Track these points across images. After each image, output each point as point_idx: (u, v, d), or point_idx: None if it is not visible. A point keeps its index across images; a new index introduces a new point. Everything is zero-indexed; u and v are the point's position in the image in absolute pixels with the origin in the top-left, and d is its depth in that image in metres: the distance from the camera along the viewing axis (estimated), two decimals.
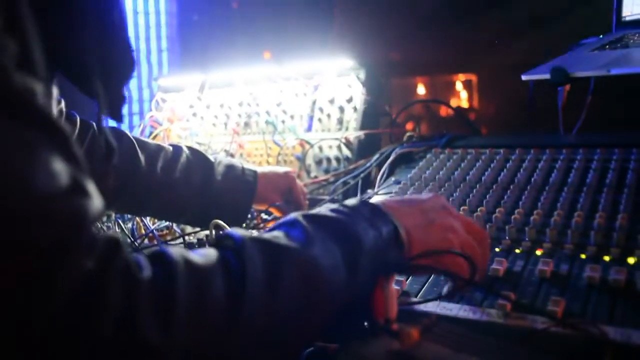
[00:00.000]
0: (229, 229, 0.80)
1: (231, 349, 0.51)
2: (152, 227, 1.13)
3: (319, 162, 1.45)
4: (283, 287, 0.55)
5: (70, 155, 0.46)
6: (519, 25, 1.78)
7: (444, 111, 2.00)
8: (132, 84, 2.34)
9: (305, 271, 0.57)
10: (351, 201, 0.69)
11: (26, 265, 0.40)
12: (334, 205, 0.68)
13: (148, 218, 1.21)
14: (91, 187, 0.46)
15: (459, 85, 2.11)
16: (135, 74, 2.32)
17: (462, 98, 2.10)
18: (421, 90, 2.19)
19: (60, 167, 0.44)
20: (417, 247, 0.67)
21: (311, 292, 0.57)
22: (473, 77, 2.09)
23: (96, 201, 0.46)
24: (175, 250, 0.52)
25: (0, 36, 0.44)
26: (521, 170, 1.07)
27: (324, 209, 0.67)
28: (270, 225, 1.17)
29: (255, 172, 1.20)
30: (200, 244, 1.08)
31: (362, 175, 1.29)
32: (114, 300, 0.43)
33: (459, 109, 1.87)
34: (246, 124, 1.63)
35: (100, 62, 0.64)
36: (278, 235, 0.59)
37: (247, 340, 0.52)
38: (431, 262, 0.66)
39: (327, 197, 1.31)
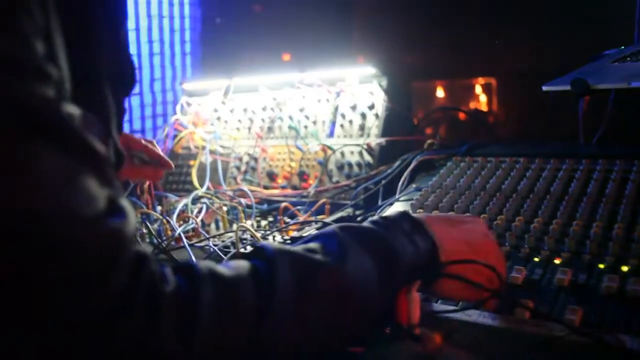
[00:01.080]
0: (262, 242, 0.83)
1: None
2: (179, 229, 1.17)
3: (340, 168, 1.48)
4: (313, 303, 0.56)
5: (106, 178, 0.48)
6: (541, 33, 1.79)
7: (463, 115, 2.01)
8: (156, 86, 2.39)
9: (337, 288, 0.58)
10: (393, 214, 0.70)
11: (70, 284, 0.42)
12: (375, 218, 0.69)
13: (174, 220, 1.24)
14: (126, 206, 0.49)
15: (478, 90, 2.12)
16: (163, 79, 2.35)
17: (481, 102, 2.11)
18: (440, 94, 2.21)
19: (98, 191, 0.46)
20: (453, 267, 0.68)
21: (341, 308, 0.58)
22: (492, 82, 2.10)
23: (132, 219, 0.48)
24: (204, 264, 0.53)
25: (44, 64, 0.46)
26: (541, 179, 1.09)
27: (365, 222, 0.68)
28: (295, 228, 1.20)
29: None
30: (225, 247, 1.11)
31: (383, 181, 1.32)
32: (138, 314, 0.45)
33: (479, 116, 1.89)
34: (269, 129, 1.66)
35: (110, 76, 0.65)
36: (312, 248, 0.61)
37: (272, 356, 0.53)
38: (459, 271, 0.68)
39: (349, 202, 1.33)
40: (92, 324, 0.43)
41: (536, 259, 0.85)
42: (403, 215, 0.70)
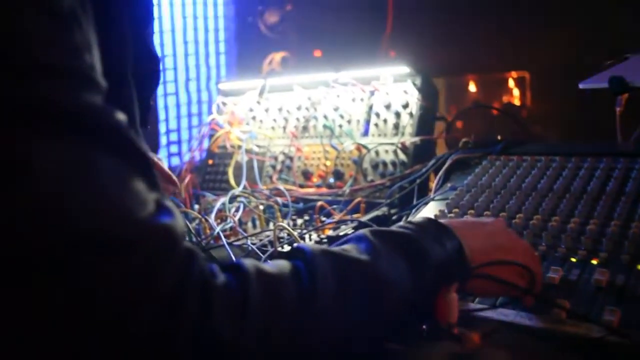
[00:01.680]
0: (300, 243, 0.85)
1: (300, 351, 0.55)
2: (218, 228, 1.20)
3: (375, 166, 1.50)
4: (351, 298, 0.59)
5: (153, 181, 0.51)
6: (575, 27, 1.78)
7: (496, 111, 2.00)
8: (192, 86, 2.43)
9: (373, 283, 0.61)
10: (417, 219, 0.73)
11: (127, 281, 0.46)
12: (402, 223, 0.72)
13: (213, 218, 1.27)
14: (172, 206, 0.52)
15: (511, 84, 2.11)
16: (196, 76, 2.39)
17: (514, 97, 2.09)
18: (472, 88, 2.20)
19: (147, 194, 0.49)
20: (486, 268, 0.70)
21: (377, 303, 0.61)
22: (526, 76, 2.08)
23: (179, 218, 0.51)
24: (249, 262, 0.57)
25: (93, 74, 0.49)
26: (577, 178, 1.09)
27: (392, 227, 0.71)
28: (331, 226, 1.22)
29: None
30: (263, 245, 1.14)
31: (418, 180, 1.32)
32: (192, 305, 0.48)
33: (512, 113, 1.88)
34: (304, 128, 1.68)
35: (134, 74, 0.69)
36: (347, 249, 0.64)
37: (315, 346, 0.57)
38: (493, 271, 0.69)
39: (383, 201, 1.35)
40: (149, 315, 0.46)
41: (573, 259, 0.85)
42: (429, 220, 0.73)
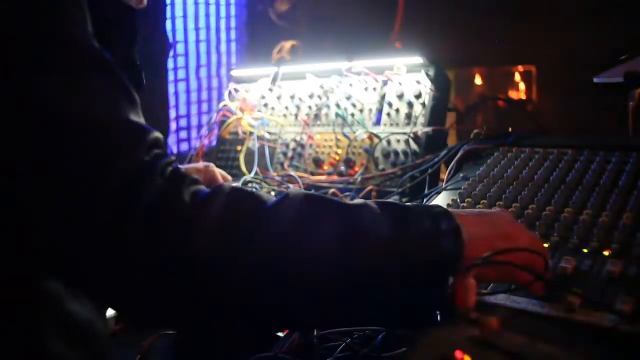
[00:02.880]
0: None
1: (257, 265, 0.60)
2: None
3: (387, 156, 1.51)
4: (316, 225, 0.63)
5: (140, 114, 0.66)
6: (581, 22, 1.78)
7: (503, 104, 2.01)
8: (202, 73, 2.44)
9: (346, 221, 0.64)
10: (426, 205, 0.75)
11: (103, 160, 0.59)
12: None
13: None
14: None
15: (518, 78, 2.11)
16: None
17: (523, 90, 2.10)
18: (479, 81, 2.20)
19: (132, 111, 0.64)
20: (482, 252, 0.68)
21: (349, 240, 0.63)
22: (533, 70, 2.09)
23: (159, 133, 0.66)
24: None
25: (91, 38, 0.66)
26: (590, 171, 1.09)
27: None
28: None
29: None
30: None
31: (430, 170, 1.34)
32: (155, 183, 0.60)
33: (523, 107, 1.88)
34: (316, 116, 1.69)
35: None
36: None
37: (274, 263, 0.60)
38: (508, 258, 0.70)
39: (395, 190, 1.36)
40: (116, 185, 0.59)
41: (585, 251, 0.86)
42: (434, 205, 0.74)
